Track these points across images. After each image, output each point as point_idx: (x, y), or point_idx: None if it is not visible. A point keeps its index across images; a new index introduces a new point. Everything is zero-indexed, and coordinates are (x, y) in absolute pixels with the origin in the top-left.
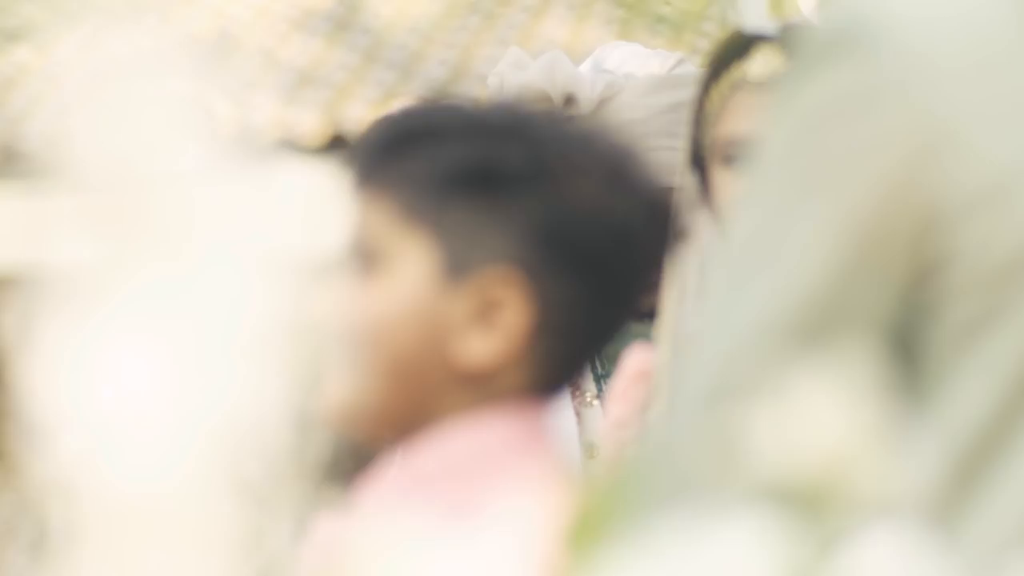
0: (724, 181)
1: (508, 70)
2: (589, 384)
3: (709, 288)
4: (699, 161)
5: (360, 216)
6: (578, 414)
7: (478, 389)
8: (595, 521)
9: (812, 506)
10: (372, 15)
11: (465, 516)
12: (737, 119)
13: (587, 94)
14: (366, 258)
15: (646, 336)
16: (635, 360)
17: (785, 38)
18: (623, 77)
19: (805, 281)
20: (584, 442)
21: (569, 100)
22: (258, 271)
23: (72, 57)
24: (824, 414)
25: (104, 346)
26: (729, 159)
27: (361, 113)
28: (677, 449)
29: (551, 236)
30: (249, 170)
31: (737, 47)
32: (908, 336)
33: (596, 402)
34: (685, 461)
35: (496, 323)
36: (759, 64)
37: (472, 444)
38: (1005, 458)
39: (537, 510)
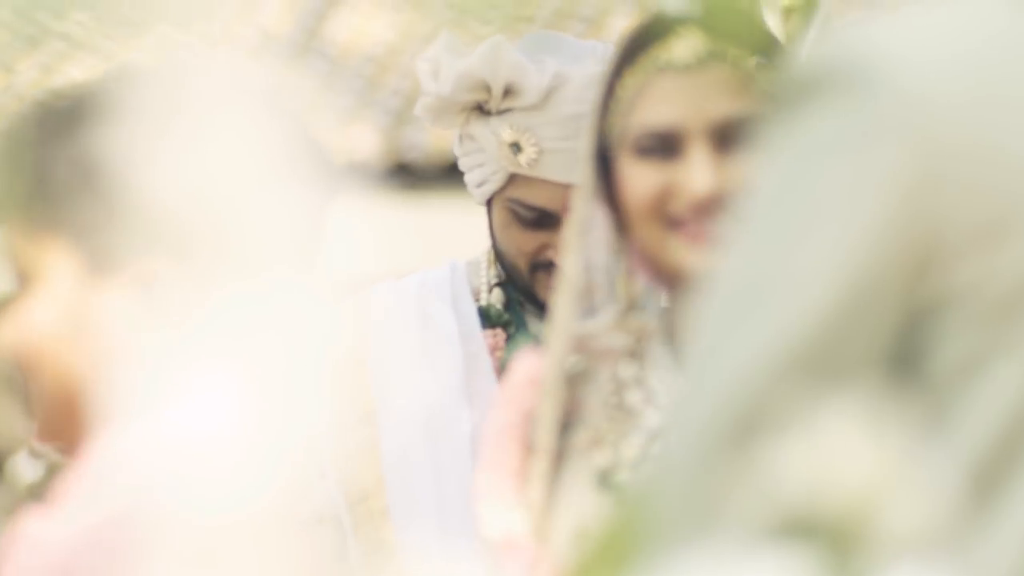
0: (635, 173)
1: (444, 56)
2: None
3: (704, 319)
4: (604, 151)
5: (4, 240)
6: None
7: None
8: (614, 556)
9: (841, 541)
10: (330, 41)
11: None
12: (655, 107)
13: (532, 83)
14: (20, 280)
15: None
16: (524, 365)
17: (705, 22)
18: (568, 68)
19: (811, 314)
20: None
21: (509, 90)
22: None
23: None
24: (849, 450)
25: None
26: (644, 150)
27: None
28: (695, 483)
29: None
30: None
31: (655, 31)
32: (908, 366)
33: None
34: (705, 496)
35: (155, 310)
36: (680, 49)
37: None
38: (1012, 486)
39: None
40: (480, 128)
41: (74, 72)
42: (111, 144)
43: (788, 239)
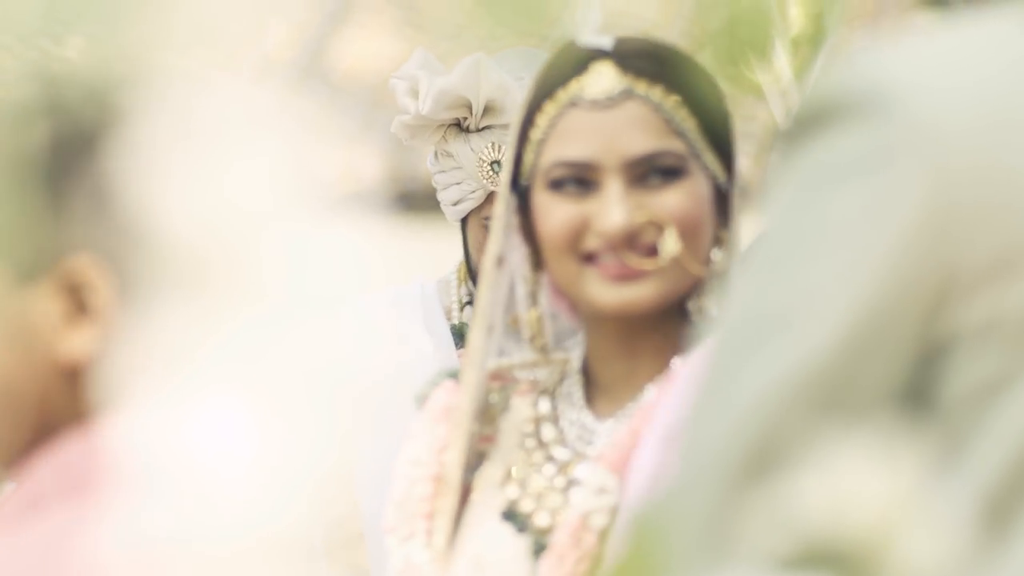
0: (549, 207)
1: (421, 74)
2: None
3: (716, 348)
4: (519, 184)
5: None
6: None
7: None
8: None
9: (855, 572)
10: (334, 66)
11: (80, 535)
12: (568, 141)
13: (514, 101)
14: None
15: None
16: (441, 396)
17: (622, 53)
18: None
19: (826, 344)
20: None
21: (490, 107)
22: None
23: None
24: (864, 482)
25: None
26: (558, 184)
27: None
28: (709, 514)
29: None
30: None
31: (571, 62)
32: (923, 395)
33: None
34: (720, 527)
35: (89, 310)
36: (595, 83)
37: (86, 452)
38: None
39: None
40: (459, 146)
41: None
42: (127, 170)
43: (802, 268)
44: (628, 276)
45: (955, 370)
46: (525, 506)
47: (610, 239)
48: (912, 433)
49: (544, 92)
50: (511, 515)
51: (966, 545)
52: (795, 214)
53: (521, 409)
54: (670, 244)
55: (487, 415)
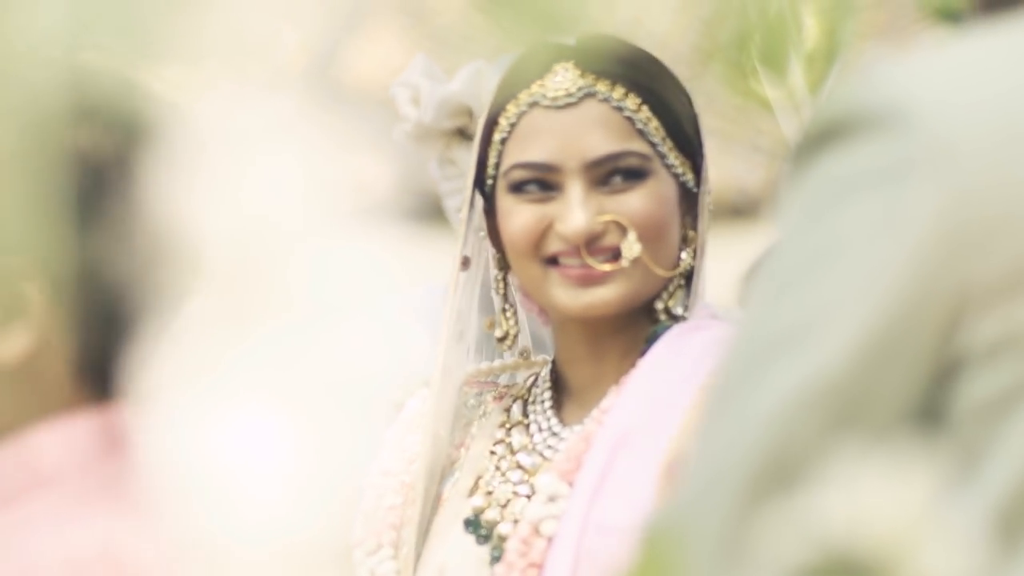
0: (512, 210)
1: (423, 82)
2: None
3: (729, 361)
4: (484, 186)
5: None
6: None
7: (33, 390)
8: None
9: None
10: (347, 76)
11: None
12: (529, 143)
13: None
14: None
15: None
16: (414, 406)
17: (585, 54)
18: None
19: (841, 358)
20: None
21: None
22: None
23: None
24: (879, 496)
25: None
26: (519, 186)
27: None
28: (724, 528)
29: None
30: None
31: (534, 63)
32: (938, 408)
33: None
34: (735, 542)
35: (21, 311)
36: (555, 84)
37: (20, 461)
38: None
39: (93, 536)
40: (463, 153)
41: None
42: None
43: (817, 280)
44: (591, 279)
45: (969, 384)
46: (491, 514)
47: (571, 242)
48: (927, 446)
49: (507, 93)
50: (474, 524)
51: (981, 558)
52: (809, 227)
53: (495, 415)
54: (632, 246)
55: (461, 421)
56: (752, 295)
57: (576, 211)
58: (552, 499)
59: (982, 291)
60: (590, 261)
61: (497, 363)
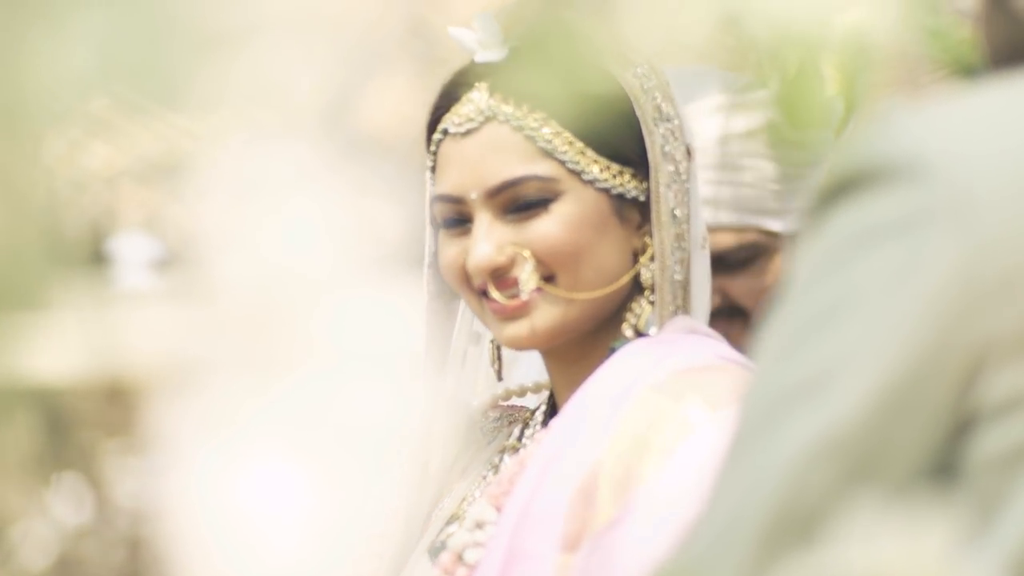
0: (441, 243)
1: None
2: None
3: (745, 409)
4: (433, 220)
5: None
6: None
7: None
8: None
9: None
10: (362, 121)
11: None
12: (440, 175)
13: None
14: None
15: None
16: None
17: (503, 71)
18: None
19: (857, 409)
20: None
21: None
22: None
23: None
24: (894, 549)
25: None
26: (440, 220)
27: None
28: None
29: None
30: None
31: (453, 87)
32: (955, 460)
33: None
34: None
35: None
36: (459, 112)
37: None
38: None
39: None
40: None
41: (100, 150)
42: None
43: (833, 331)
44: (510, 312)
45: (984, 437)
46: (459, 538)
47: (477, 277)
48: (944, 500)
49: (431, 121)
50: (435, 551)
51: None
52: (827, 277)
53: (502, 439)
54: (528, 279)
55: (473, 447)
56: (767, 343)
57: (479, 245)
58: (479, 525)
59: (1000, 343)
60: (495, 295)
61: (515, 385)
